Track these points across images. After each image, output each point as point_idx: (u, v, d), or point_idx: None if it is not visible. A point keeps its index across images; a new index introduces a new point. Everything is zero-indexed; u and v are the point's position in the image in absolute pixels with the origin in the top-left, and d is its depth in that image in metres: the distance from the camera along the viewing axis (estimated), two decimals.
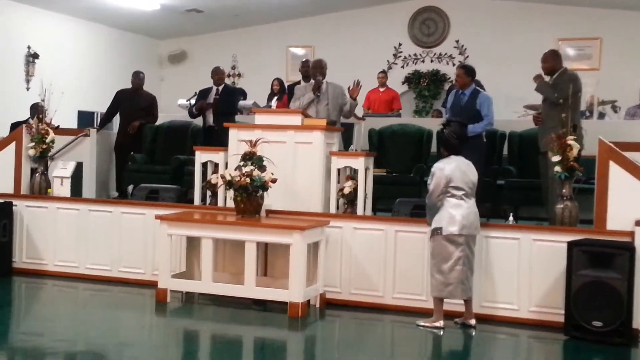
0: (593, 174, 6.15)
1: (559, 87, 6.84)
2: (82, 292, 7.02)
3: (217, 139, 7.94)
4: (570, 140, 6.03)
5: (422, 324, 5.82)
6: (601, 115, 10.60)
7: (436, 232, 5.75)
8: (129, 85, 9.49)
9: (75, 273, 7.29)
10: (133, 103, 9.24)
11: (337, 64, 11.65)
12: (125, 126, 9.18)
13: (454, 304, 5.90)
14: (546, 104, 7.09)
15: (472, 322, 5.84)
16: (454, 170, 5.75)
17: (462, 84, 7.45)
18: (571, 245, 5.64)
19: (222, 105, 8.66)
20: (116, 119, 9.73)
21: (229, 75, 14.77)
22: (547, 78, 7.16)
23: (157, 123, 9.52)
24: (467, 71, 7.50)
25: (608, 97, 10.72)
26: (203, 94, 8.86)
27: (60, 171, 7.69)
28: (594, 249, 5.59)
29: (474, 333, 5.79)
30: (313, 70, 7.63)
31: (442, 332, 5.72)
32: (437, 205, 5.78)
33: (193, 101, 9.15)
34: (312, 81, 7.49)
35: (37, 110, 7.90)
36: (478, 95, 7.40)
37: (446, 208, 5.73)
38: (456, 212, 5.70)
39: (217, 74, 8.97)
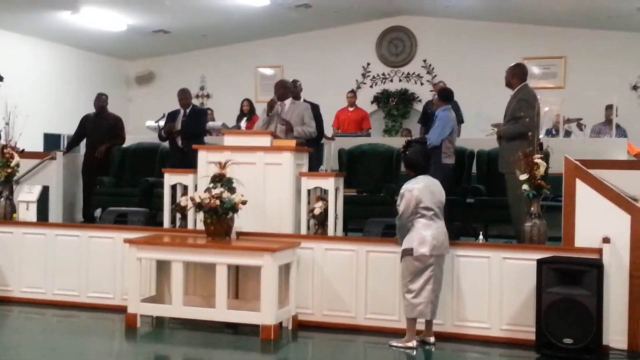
0: (560, 191, 6.22)
1: (522, 110, 6.84)
2: (49, 318, 6.89)
3: (185, 160, 7.86)
4: (537, 158, 6.10)
5: (394, 344, 5.80)
6: (567, 134, 10.75)
7: (407, 252, 5.75)
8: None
9: (43, 299, 7.15)
10: (97, 126, 9.12)
11: (306, 83, 11.64)
12: (91, 150, 9.05)
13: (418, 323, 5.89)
14: (504, 122, 7.11)
15: (432, 339, 5.86)
16: (422, 190, 5.77)
17: (436, 106, 8.05)
18: (540, 263, 5.68)
19: (191, 127, 8.54)
20: (83, 143, 9.60)
21: (197, 96, 14.74)
22: (509, 91, 7.16)
23: (125, 145, 9.42)
24: (439, 95, 8.13)
25: (573, 115, 10.89)
26: (172, 116, 8.76)
27: (26, 195, 7.58)
28: (563, 267, 5.64)
29: (433, 349, 5.79)
30: (274, 91, 7.65)
31: (415, 352, 5.71)
32: (408, 226, 5.79)
33: (162, 123, 9.07)
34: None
35: None
36: (438, 115, 7.77)
37: (417, 229, 5.75)
38: (426, 233, 5.72)
39: (184, 97, 8.74)
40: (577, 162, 6.06)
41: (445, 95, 8.04)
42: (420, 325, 5.88)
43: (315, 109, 7.97)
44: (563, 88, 12.83)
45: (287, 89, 7.64)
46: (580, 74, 12.83)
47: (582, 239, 5.94)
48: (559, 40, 13.02)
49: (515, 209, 6.76)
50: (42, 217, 7.62)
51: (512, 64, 7.21)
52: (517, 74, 7.04)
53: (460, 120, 10.59)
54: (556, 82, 12.97)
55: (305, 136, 7.46)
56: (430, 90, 10.86)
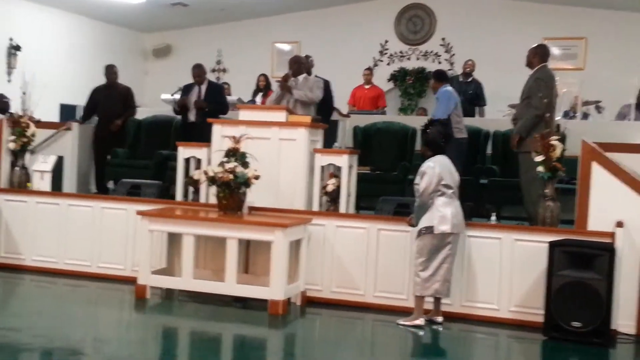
0: (575, 174, 6.15)
1: (532, 93, 6.76)
2: (60, 287, 6.95)
3: (198, 135, 7.86)
4: (554, 140, 6.03)
5: (402, 322, 5.80)
6: (585, 116, 10.61)
7: (426, 230, 5.72)
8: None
9: (54, 268, 7.22)
10: (109, 97, 9.03)
11: (323, 60, 11.62)
12: (104, 121, 8.98)
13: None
14: (520, 104, 7.03)
15: (440, 319, 5.86)
16: (443, 168, 5.77)
17: (434, 89, 8.06)
18: (552, 245, 5.64)
19: (214, 104, 8.46)
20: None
21: (213, 70, 14.70)
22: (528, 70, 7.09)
23: (141, 117, 9.41)
24: (435, 77, 8.16)
25: (592, 97, 10.73)
26: (186, 89, 8.74)
27: (41, 165, 7.62)
28: (574, 250, 5.60)
29: (441, 329, 5.80)
30: (288, 66, 7.71)
31: (422, 331, 5.71)
32: (428, 204, 5.76)
33: (177, 96, 9.04)
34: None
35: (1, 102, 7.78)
36: (438, 92, 7.82)
37: (437, 207, 5.73)
38: (447, 211, 5.71)
39: (199, 73, 8.64)
40: (593, 145, 5.99)
41: (440, 76, 8.14)
42: (428, 305, 5.88)
43: (326, 84, 8.01)
44: (583, 70, 12.63)
45: (301, 65, 7.72)
46: (600, 56, 12.61)
47: (595, 223, 5.89)
48: (580, 20, 12.81)
49: (527, 190, 6.70)
50: (56, 187, 7.67)
51: (534, 45, 7.13)
52: (539, 54, 6.96)
53: (482, 102, 10.54)
54: (576, 63, 12.78)
55: (305, 99, 7.51)
56: (466, 69, 10.73)
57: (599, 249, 5.56)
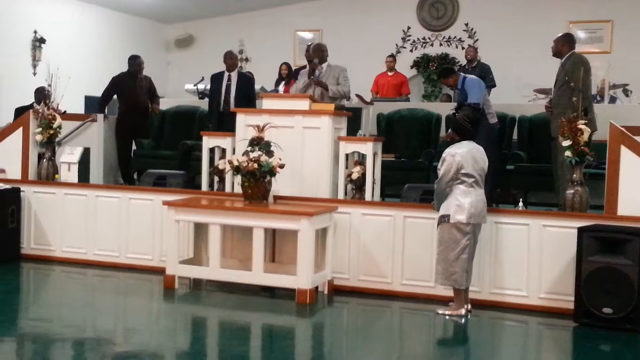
0: (604, 158, 6.07)
1: (569, 76, 6.71)
2: (90, 278, 7.01)
3: (228, 123, 7.88)
4: (581, 124, 5.95)
5: (443, 312, 5.76)
6: (612, 100, 10.47)
7: (444, 219, 5.69)
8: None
9: (83, 259, 7.29)
10: (137, 87, 9.01)
11: (345, 47, 11.60)
12: (131, 112, 8.95)
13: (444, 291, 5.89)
14: (556, 89, 6.98)
15: (468, 307, 5.81)
16: (465, 156, 5.66)
17: (449, 86, 7.85)
18: (581, 231, 5.58)
19: (245, 92, 8.52)
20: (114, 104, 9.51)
21: None
22: (556, 60, 7.03)
23: (165, 108, 9.42)
24: (440, 74, 7.96)
25: (619, 80, 10.59)
26: (216, 78, 8.71)
27: (68, 157, 7.68)
28: (604, 235, 5.53)
29: (469, 317, 5.76)
30: (312, 55, 7.67)
31: (463, 320, 5.68)
32: (446, 191, 5.71)
33: (201, 86, 9.02)
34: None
35: (41, 94, 7.83)
36: (465, 82, 7.50)
37: (455, 195, 5.66)
38: (465, 200, 5.63)
39: (231, 59, 8.66)
40: (622, 129, 5.91)
41: (450, 70, 7.93)
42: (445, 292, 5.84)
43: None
44: (609, 53, 12.44)
45: (324, 53, 7.68)
46: (627, 39, 12.42)
47: (625, 207, 5.82)
48: (606, 3, 12.62)
49: (562, 174, 6.63)
50: (83, 178, 7.72)
51: (560, 34, 7.06)
52: (568, 42, 6.91)
53: (492, 84, 10.42)
54: (602, 46, 12.59)
55: (340, 95, 7.56)
56: (467, 56, 10.64)
57: (629, 234, 5.49)
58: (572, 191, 6.04)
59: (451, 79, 7.63)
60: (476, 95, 7.38)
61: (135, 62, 9.10)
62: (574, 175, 6.05)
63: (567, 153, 5.99)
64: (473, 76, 7.82)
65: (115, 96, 9.08)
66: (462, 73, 7.89)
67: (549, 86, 7.47)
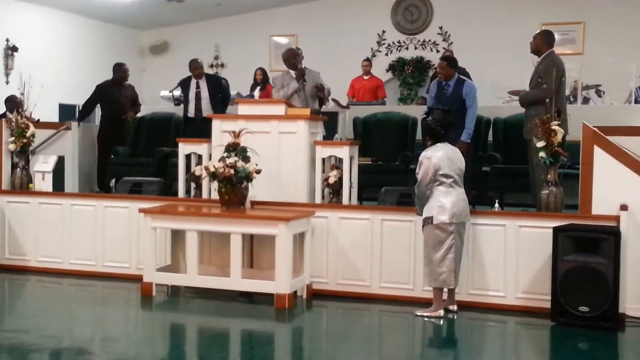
0: (578, 159, 6.14)
1: (542, 77, 6.75)
2: (66, 287, 6.94)
3: (197, 129, 7.87)
4: (555, 125, 6.01)
5: (421, 314, 5.78)
6: (585, 100, 10.60)
7: (427, 221, 5.72)
8: (109, 77, 9.30)
9: (59, 268, 7.21)
10: (118, 96, 8.98)
11: (321, 52, 11.63)
12: (113, 119, 8.92)
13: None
14: (530, 89, 7.02)
15: (454, 307, 5.85)
16: (441, 158, 5.72)
17: (447, 75, 7.22)
18: (557, 230, 5.63)
19: (219, 96, 8.53)
20: (97, 113, 9.54)
21: (212, 66, 14.67)
22: (530, 62, 7.09)
23: (140, 115, 9.39)
24: (450, 62, 7.34)
25: (592, 81, 10.73)
26: (183, 84, 8.74)
27: (42, 165, 7.60)
28: (579, 234, 5.59)
29: (455, 317, 5.79)
30: (293, 60, 7.59)
31: (442, 322, 5.70)
32: (427, 194, 5.74)
33: (176, 92, 8.99)
34: (290, 70, 7.50)
35: (13, 102, 7.75)
36: (464, 85, 7.23)
37: (436, 197, 5.71)
38: (446, 201, 5.68)
39: (196, 68, 8.67)
40: (595, 129, 5.97)
41: (454, 62, 7.44)
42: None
43: None
44: (582, 54, 12.61)
45: (301, 58, 7.65)
46: (599, 40, 12.59)
47: (599, 207, 5.87)
48: (578, 5, 12.78)
49: (537, 175, 6.68)
50: (58, 187, 7.64)
51: (539, 31, 7.10)
52: (547, 42, 6.92)
53: None
54: (575, 48, 12.74)
55: (328, 96, 7.92)
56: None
57: (604, 233, 5.55)
58: (547, 191, 6.10)
59: (452, 71, 7.25)
60: (475, 109, 7.20)
61: (120, 69, 9.06)
62: (549, 176, 6.11)
63: (542, 154, 6.05)
64: (472, 83, 7.47)
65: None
66: (460, 75, 7.48)
67: (522, 87, 7.52)
